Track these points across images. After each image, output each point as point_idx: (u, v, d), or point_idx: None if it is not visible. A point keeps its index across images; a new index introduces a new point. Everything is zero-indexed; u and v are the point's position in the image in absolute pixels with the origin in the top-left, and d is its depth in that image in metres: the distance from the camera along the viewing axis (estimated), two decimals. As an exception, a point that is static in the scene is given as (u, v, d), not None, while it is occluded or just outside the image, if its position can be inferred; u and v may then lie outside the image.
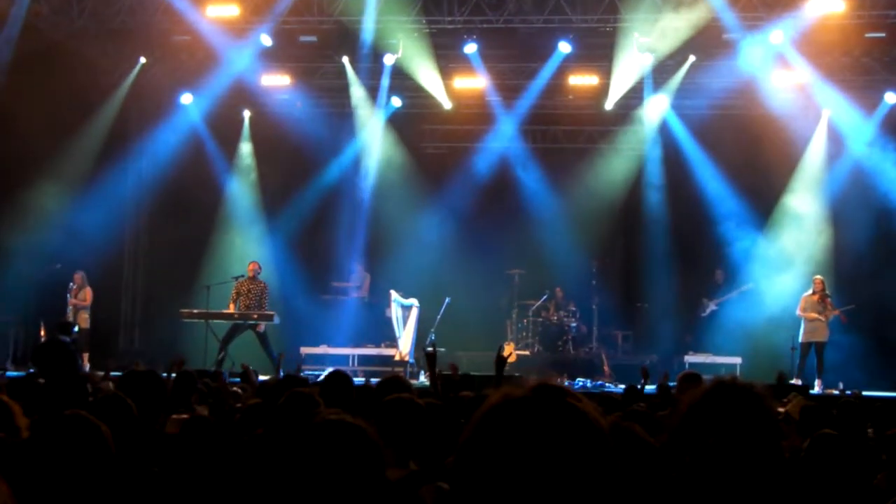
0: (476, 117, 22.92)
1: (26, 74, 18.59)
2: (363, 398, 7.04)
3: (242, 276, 19.76)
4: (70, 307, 19.94)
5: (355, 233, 23.14)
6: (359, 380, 16.14)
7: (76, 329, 19.13)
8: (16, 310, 20.03)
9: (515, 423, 2.04)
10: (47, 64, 19.17)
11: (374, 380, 16.32)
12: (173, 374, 9.41)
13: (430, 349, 9.01)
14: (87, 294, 20.11)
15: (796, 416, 7.70)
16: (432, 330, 20.31)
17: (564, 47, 20.10)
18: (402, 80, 21.70)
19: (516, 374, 17.50)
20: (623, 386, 13.93)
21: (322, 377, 8.52)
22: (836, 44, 19.26)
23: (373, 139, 23.25)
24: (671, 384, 13.89)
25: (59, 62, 19.46)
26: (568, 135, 23.68)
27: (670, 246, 22.40)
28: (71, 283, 20.09)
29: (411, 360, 20.01)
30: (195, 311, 19.74)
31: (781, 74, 20.42)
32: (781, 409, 7.97)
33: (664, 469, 3.42)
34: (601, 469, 2.04)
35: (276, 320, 19.43)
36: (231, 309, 19.45)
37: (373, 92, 22.54)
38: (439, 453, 5.64)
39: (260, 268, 19.95)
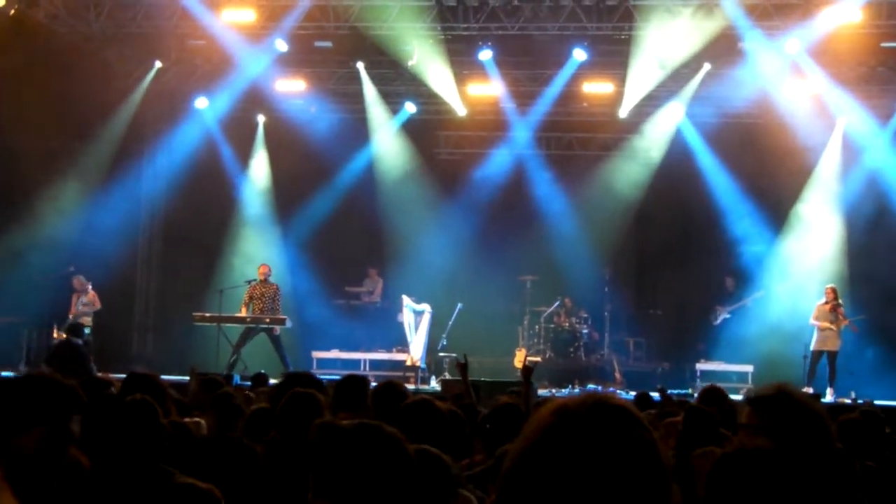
0: (490, 124, 22.95)
1: (43, 76, 18.69)
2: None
3: (255, 279, 19.78)
4: (81, 310, 19.97)
5: (368, 238, 23.17)
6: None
7: (87, 331, 19.24)
8: (28, 311, 20.07)
9: (575, 441, 1.95)
10: (64, 66, 19.25)
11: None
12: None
13: (461, 359, 8.97)
14: (95, 297, 20.14)
15: None
16: (444, 335, 20.33)
17: (579, 55, 20.08)
18: (417, 87, 21.74)
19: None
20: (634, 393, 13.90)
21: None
22: (852, 53, 19.24)
23: (386, 145, 23.31)
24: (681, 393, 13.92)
25: (75, 65, 19.55)
26: (582, 142, 23.68)
27: (683, 253, 22.39)
28: (85, 290, 20.11)
29: (423, 366, 20.03)
30: (208, 314, 19.79)
31: (796, 83, 20.38)
32: None
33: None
34: (660, 490, 1.98)
35: (289, 324, 19.47)
36: (244, 312, 19.47)
37: (387, 98, 22.60)
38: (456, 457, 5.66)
39: (270, 270, 19.95)
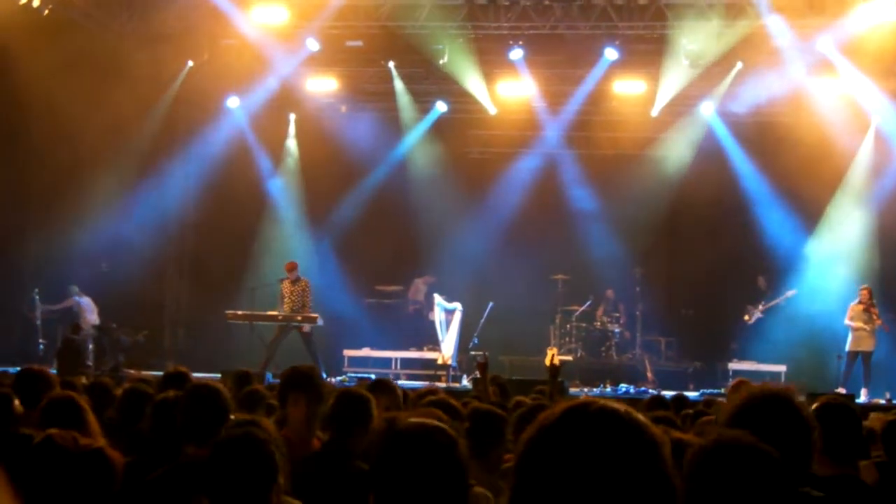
0: (521, 123, 22.91)
1: (76, 76, 18.80)
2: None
3: (285, 276, 19.77)
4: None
5: (399, 237, 23.18)
6: (404, 383, 16.22)
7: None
8: (62, 309, 20.29)
9: (569, 444, 2.02)
10: (96, 66, 19.37)
11: (415, 384, 16.41)
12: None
13: (480, 359, 8.96)
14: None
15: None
16: (475, 334, 20.32)
17: (611, 54, 20.04)
18: (448, 86, 21.75)
19: (559, 380, 17.41)
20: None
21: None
22: (886, 51, 19.09)
23: (417, 144, 23.34)
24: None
25: (107, 65, 19.66)
26: (613, 141, 23.56)
27: (714, 253, 22.26)
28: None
29: (454, 364, 20.01)
30: (240, 312, 19.80)
31: (829, 81, 20.25)
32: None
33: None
34: (658, 477, 2.01)
35: (320, 322, 19.44)
36: (286, 310, 19.34)
37: (418, 97, 22.61)
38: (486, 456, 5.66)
39: (295, 266, 19.70)
